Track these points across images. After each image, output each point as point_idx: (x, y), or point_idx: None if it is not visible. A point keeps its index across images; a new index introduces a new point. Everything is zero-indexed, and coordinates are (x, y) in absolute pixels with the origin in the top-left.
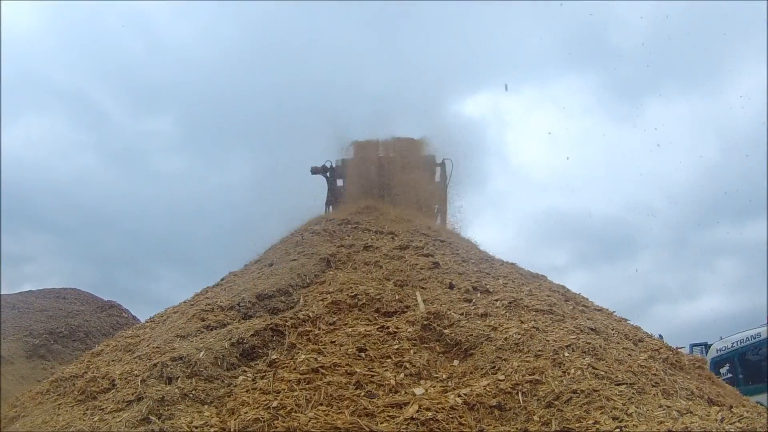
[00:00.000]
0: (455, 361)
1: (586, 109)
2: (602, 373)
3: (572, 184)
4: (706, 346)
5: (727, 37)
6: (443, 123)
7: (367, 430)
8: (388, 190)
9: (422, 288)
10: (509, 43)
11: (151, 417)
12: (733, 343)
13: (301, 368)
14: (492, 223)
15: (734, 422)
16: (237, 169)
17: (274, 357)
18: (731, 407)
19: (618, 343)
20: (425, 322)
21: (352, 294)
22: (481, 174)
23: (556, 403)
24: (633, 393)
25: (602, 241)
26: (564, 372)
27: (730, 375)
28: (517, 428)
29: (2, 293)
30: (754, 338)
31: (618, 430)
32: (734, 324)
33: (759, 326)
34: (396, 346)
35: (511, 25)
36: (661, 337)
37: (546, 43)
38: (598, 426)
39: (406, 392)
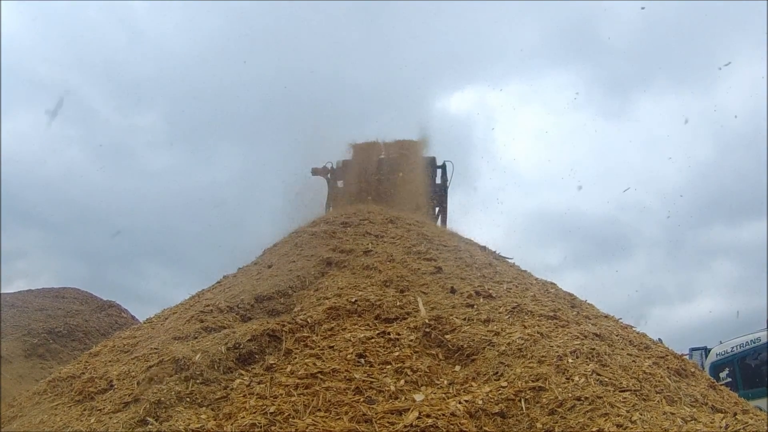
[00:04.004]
0: (457, 367)
1: (574, 105)
2: (606, 379)
3: (563, 182)
4: (706, 351)
5: (719, 32)
6: (429, 120)
7: None
8: (389, 192)
9: (424, 293)
10: (496, 39)
11: (148, 418)
12: (732, 348)
13: (299, 373)
14: (482, 223)
15: (738, 430)
16: (225, 165)
17: (271, 362)
18: (735, 414)
19: (623, 349)
20: (427, 329)
21: (352, 300)
22: (470, 172)
23: (559, 410)
24: (637, 400)
25: (596, 241)
26: (568, 379)
27: (729, 379)
28: None
29: (1, 292)
30: (754, 342)
31: None
32: (732, 327)
33: (759, 330)
34: (396, 353)
35: (498, 20)
36: (660, 340)
37: (533, 38)
38: None
39: (406, 398)
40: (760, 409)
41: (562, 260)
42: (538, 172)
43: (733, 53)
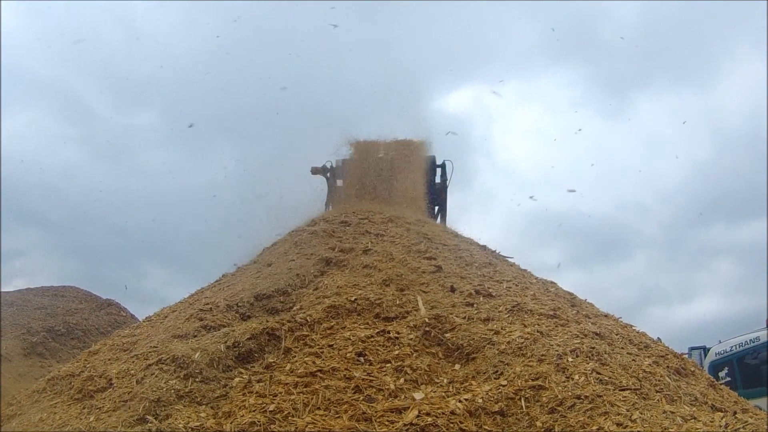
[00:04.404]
0: (456, 365)
1: (573, 104)
2: (606, 378)
3: (563, 182)
4: (705, 350)
5: (719, 32)
6: (427, 119)
7: None
8: (389, 191)
9: (423, 292)
10: (494, 37)
11: (147, 417)
12: (732, 347)
13: (299, 371)
14: (480, 222)
15: (738, 428)
16: (223, 164)
17: (271, 360)
18: (735, 413)
19: (622, 348)
20: (426, 328)
21: (351, 298)
22: (468, 171)
23: (559, 408)
24: (637, 399)
25: (595, 241)
26: (568, 377)
27: (728, 379)
28: None
29: (1, 290)
30: (753, 342)
31: None
32: (731, 327)
33: (758, 330)
34: (396, 351)
35: (497, 20)
36: (659, 340)
37: (532, 37)
38: None
39: (405, 397)
40: (760, 409)
41: (561, 260)
42: (537, 172)
43: (732, 53)
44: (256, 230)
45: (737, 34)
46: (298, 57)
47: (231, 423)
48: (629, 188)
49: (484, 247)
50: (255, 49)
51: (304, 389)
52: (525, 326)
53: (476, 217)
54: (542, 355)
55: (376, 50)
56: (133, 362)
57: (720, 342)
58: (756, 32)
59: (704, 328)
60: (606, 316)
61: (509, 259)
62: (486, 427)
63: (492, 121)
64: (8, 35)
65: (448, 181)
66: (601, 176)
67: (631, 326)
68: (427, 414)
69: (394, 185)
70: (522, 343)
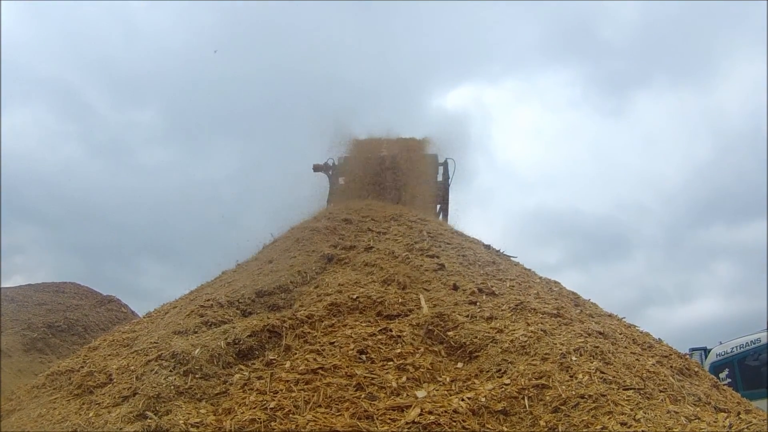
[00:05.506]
0: (459, 363)
1: (571, 102)
2: (610, 377)
3: (560, 182)
4: (706, 351)
5: (719, 32)
6: (427, 117)
7: None
8: (391, 188)
9: (426, 290)
10: (493, 36)
11: (147, 413)
12: (732, 348)
13: (300, 369)
14: (479, 221)
15: (742, 429)
16: (222, 161)
17: (271, 357)
18: (739, 414)
19: (626, 347)
20: (429, 326)
21: (353, 296)
22: (467, 170)
23: (563, 408)
24: (641, 398)
25: (595, 241)
26: (571, 376)
27: (729, 380)
28: None
29: (1, 286)
30: (754, 343)
31: None
32: (731, 328)
33: (759, 331)
34: (398, 349)
35: (497, 19)
36: (660, 341)
37: (531, 36)
38: (605, 431)
39: (408, 395)
40: (761, 410)
41: (560, 260)
42: (536, 171)
43: (732, 53)
44: (257, 228)
45: (737, 34)
46: (299, 55)
47: (231, 420)
48: (629, 188)
49: (487, 246)
50: (254, 48)
51: (305, 386)
52: (528, 325)
53: (475, 216)
54: (546, 354)
55: (377, 48)
56: (133, 358)
57: (721, 343)
58: (756, 32)
59: (704, 329)
60: (610, 315)
61: (513, 259)
62: (489, 426)
63: (491, 119)
64: (8, 33)
65: (450, 180)
66: (600, 176)
67: (635, 326)
68: (430, 412)
69: (396, 182)
70: (525, 341)
